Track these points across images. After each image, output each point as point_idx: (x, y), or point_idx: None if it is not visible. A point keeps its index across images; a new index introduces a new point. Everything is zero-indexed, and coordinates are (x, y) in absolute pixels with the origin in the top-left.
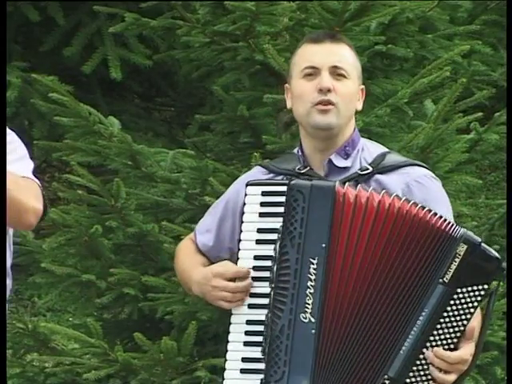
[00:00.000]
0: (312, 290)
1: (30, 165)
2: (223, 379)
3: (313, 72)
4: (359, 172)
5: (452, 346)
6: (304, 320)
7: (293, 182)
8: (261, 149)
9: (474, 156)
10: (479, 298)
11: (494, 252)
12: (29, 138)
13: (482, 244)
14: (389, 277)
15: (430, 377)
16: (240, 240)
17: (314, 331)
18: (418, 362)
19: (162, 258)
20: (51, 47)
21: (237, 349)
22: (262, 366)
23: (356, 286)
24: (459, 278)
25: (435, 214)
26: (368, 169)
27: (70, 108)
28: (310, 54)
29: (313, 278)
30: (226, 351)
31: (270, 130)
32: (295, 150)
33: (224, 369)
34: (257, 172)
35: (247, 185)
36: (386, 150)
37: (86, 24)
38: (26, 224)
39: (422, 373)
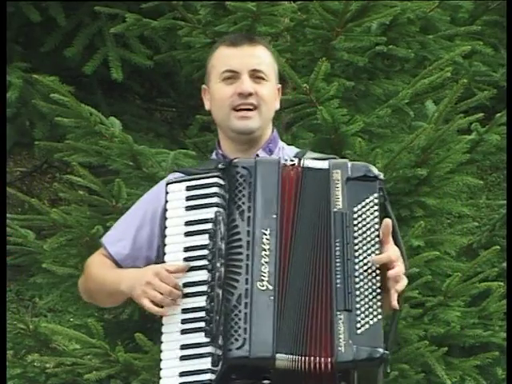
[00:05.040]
0: (267, 259)
1: None
2: (160, 370)
3: (232, 76)
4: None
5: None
6: (261, 288)
7: (236, 160)
8: None
9: (474, 156)
10: (376, 208)
11: (366, 169)
12: (30, 139)
13: (349, 164)
14: (307, 230)
15: (377, 292)
16: (165, 236)
17: (272, 297)
18: (357, 286)
19: None
20: (52, 48)
21: (173, 339)
22: (205, 350)
23: (294, 248)
24: (349, 200)
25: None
26: (293, 160)
27: (71, 108)
28: (229, 57)
29: (267, 247)
30: (161, 343)
31: None
32: (213, 156)
33: (160, 360)
34: (173, 177)
35: (168, 184)
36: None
37: (86, 24)
38: None
39: (366, 292)
